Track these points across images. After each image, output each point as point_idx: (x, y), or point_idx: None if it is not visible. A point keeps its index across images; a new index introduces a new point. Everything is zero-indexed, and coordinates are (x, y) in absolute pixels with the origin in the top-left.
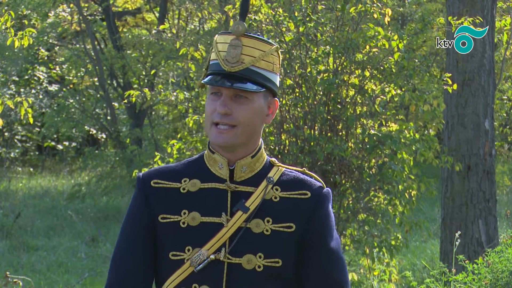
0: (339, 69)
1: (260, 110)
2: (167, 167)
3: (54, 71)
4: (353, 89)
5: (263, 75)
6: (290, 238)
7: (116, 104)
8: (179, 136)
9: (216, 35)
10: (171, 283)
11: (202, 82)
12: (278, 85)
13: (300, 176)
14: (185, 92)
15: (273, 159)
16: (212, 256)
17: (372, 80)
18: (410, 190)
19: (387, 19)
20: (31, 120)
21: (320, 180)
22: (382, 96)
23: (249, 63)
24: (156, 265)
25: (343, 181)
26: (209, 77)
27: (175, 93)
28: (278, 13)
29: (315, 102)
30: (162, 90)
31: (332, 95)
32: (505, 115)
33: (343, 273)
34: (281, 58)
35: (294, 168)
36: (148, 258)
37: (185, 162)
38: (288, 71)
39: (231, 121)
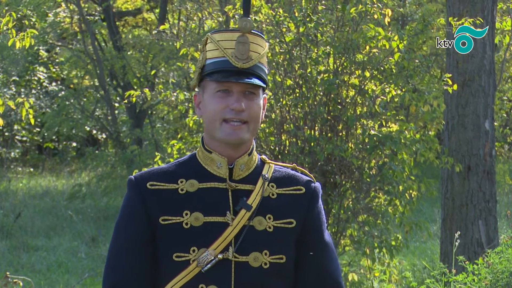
0: (339, 69)
1: (263, 106)
2: (159, 169)
3: (54, 71)
4: (353, 90)
5: (264, 71)
6: (291, 234)
7: (116, 104)
8: (179, 136)
9: (211, 34)
10: (175, 284)
11: (214, 80)
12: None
13: (290, 172)
14: (185, 93)
15: (264, 156)
16: (220, 256)
17: (372, 81)
18: (410, 191)
19: (387, 19)
20: (32, 121)
21: (310, 174)
22: (382, 97)
23: (256, 59)
24: (157, 268)
25: (343, 182)
26: (216, 74)
27: (175, 94)
28: (278, 13)
29: (315, 103)
30: (162, 90)
31: (332, 95)
32: (505, 115)
33: (336, 266)
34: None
35: (283, 164)
36: (146, 261)
37: (176, 163)
38: (288, 71)
39: (244, 117)
